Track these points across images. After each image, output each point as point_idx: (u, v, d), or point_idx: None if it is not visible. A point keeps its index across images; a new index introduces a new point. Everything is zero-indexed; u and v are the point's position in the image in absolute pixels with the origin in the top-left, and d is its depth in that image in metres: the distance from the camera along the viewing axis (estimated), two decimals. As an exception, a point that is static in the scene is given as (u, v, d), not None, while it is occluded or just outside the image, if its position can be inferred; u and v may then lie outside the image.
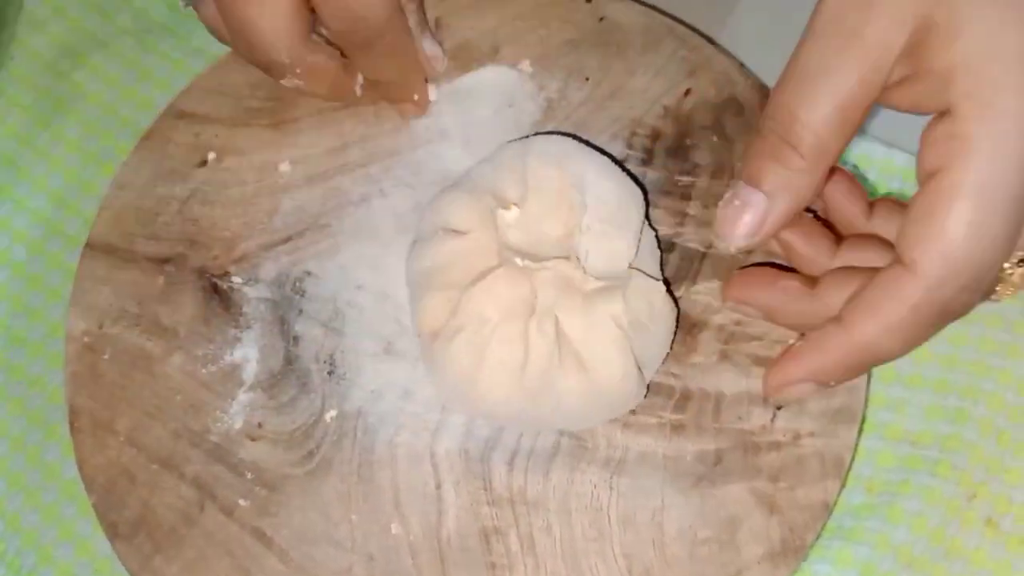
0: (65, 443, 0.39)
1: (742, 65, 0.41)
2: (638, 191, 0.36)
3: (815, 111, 0.31)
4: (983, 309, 0.38)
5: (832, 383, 0.33)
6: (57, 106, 0.46)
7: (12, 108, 0.46)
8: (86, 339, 0.38)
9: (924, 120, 0.42)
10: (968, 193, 0.29)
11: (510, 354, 0.33)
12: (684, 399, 0.36)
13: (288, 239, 0.39)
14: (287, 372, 0.37)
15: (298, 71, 0.38)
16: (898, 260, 0.30)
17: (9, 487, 0.40)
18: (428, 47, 0.40)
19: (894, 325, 0.31)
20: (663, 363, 0.36)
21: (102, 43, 0.47)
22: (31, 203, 0.44)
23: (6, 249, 0.44)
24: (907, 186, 0.41)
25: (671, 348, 0.36)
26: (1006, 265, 0.32)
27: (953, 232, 0.29)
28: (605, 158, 0.37)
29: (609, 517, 0.34)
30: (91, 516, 0.37)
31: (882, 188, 0.41)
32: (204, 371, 0.37)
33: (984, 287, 0.31)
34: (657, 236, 0.37)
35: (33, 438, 0.41)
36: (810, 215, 0.35)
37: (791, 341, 0.35)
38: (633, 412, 0.36)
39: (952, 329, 0.38)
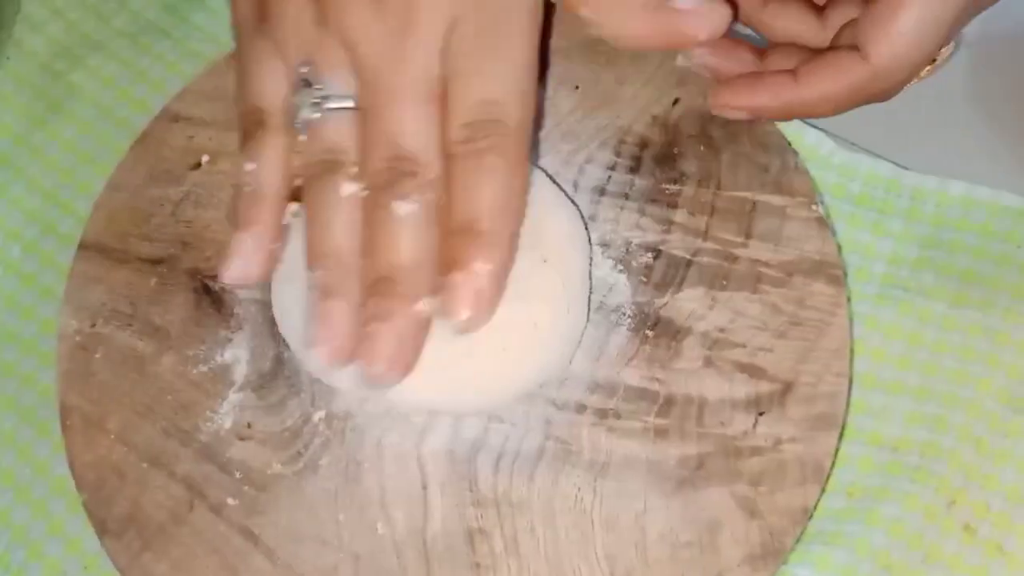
0: (56, 440, 0.40)
1: (730, 75, 0.42)
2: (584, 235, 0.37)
3: None
4: (965, 317, 0.39)
5: (760, 117, 0.38)
6: (53, 106, 0.46)
7: (8, 108, 0.46)
8: (78, 338, 0.39)
9: (910, 129, 0.43)
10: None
11: None
12: (668, 404, 0.36)
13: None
14: (277, 373, 0.38)
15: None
16: (854, 46, 0.35)
17: None
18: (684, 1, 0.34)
19: (832, 95, 0.36)
20: (648, 368, 0.37)
21: (98, 44, 0.47)
22: (26, 202, 0.45)
23: (0, 247, 0.44)
24: (891, 196, 0.41)
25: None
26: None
27: (901, 33, 0.34)
28: (560, 196, 0.37)
29: (592, 520, 0.35)
30: (81, 513, 0.37)
31: (866, 197, 0.42)
32: (195, 371, 0.38)
33: (916, 73, 0.36)
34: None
35: (24, 435, 0.41)
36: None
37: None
38: (618, 416, 0.36)
39: (934, 337, 0.39)
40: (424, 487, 0.36)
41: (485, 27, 0.31)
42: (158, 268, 0.39)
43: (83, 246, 0.40)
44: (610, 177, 0.40)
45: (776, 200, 0.39)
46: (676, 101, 0.41)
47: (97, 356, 0.38)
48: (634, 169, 0.40)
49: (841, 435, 0.36)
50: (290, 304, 0.35)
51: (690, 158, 0.40)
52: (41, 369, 0.42)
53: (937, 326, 0.39)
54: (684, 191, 0.39)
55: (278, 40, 0.33)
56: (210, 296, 0.39)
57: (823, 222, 0.39)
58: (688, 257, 0.38)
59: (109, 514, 0.36)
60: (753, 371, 0.37)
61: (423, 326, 0.31)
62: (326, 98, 0.32)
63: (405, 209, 0.30)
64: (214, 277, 0.39)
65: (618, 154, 0.40)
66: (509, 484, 0.36)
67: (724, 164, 0.40)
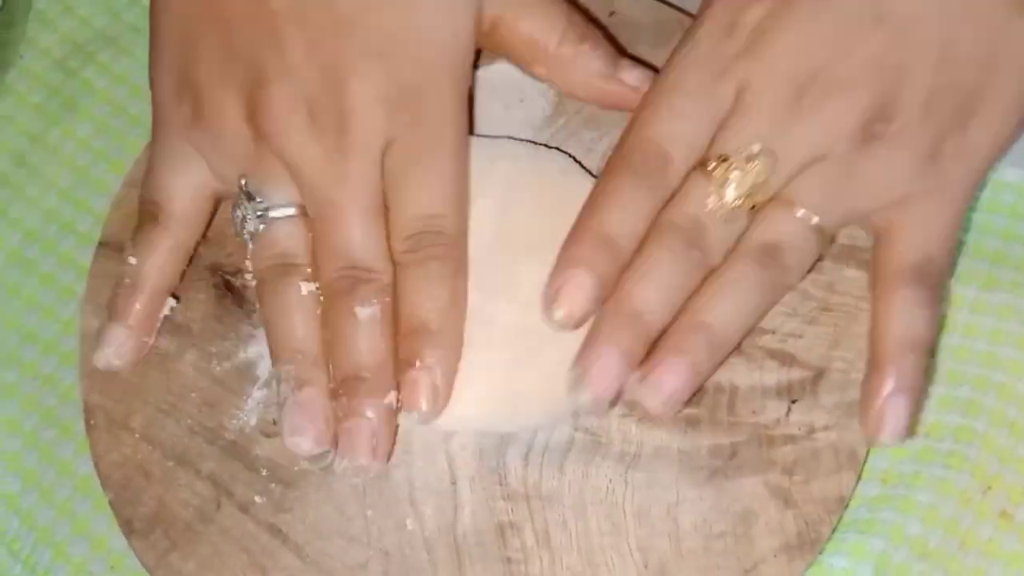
0: (79, 440, 0.40)
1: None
2: None
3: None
4: (995, 300, 0.39)
5: None
6: (67, 104, 0.46)
7: (22, 106, 0.46)
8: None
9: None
10: None
11: None
12: (698, 393, 0.36)
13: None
14: (301, 368, 0.37)
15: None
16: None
17: (23, 484, 0.40)
18: (631, 76, 0.36)
19: None
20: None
21: (111, 40, 0.47)
22: (42, 200, 0.45)
23: (18, 247, 0.44)
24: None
25: None
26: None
27: None
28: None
29: (624, 511, 0.35)
30: (106, 512, 0.37)
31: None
32: (218, 368, 0.37)
33: None
34: None
35: (47, 435, 0.41)
36: None
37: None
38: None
39: (965, 320, 0.38)
40: (453, 482, 0.35)
41: (418, 146, 0.34)
42: (179, 265, 0.39)
43: (102, 244, 0.40)
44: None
45: (803, 184, 0.38)
46: (699, 86, 0.40)
47: (120, 355, 0.38)
48: (658, 155, 0.39)
49: (875, 422, 0.36)
50: None
51: (714, 143, 0.39)
52: (63, 369, 0.42)
53: (968, 309, 0.39)
54: (710, 177, 0.39)
55: (213, 152, 0.35)
56: (232, 292, 0.39)
57: (852, 206, 0.38)
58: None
59: (135, 513, 0.36)
60: (784, 358, 0.36)
61: (394, 417, 0.34)
62: (267, 209, 0.34)
63: (366, 313, 0.33)
64: (235, 273, 0.39)
65: (642, 141, 0.39)
66: (539, 477, 0.35)
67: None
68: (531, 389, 0.35)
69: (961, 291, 0.39)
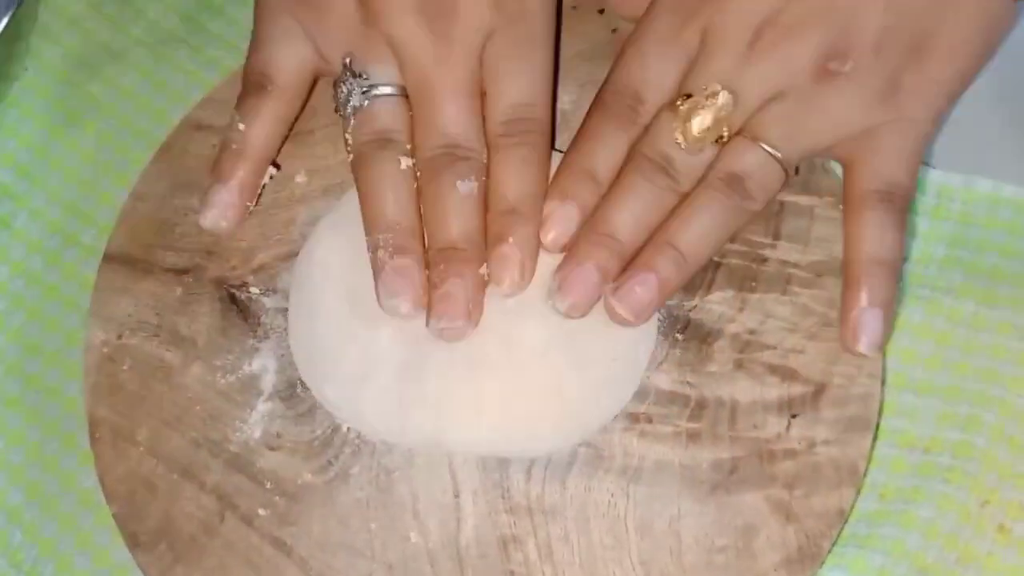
0: (82, 452, 0.40)
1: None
2: None
3: None
4: (994, 316, 0.39)
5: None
6: (72, 117, 0.46)
7: (27, 119, 0.46)
8: (105, 350, 0.39)
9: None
10: None
11: None
12: (700, 408, 0.36)
13: (305, 249, 0.39)
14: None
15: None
16: None
17: (27, 496, 0.40)
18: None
19: None
20: (679, 372, 0.36)
21: (116, 55, 0.47)
22: (47, 213, 0.45)
23: (22, 259, 0.44)
24: (917, 195, 0.41)
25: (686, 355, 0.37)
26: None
27: None
28: None
29: (626, 525, 0.35)
30: (109, 525, 0.37)
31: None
32: (223, 381, 0.38)
33: None
34: None
35: (50, 447, 0.41)
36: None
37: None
38: (649, 421, 0.36)
39: (964, 336, 0.39)
40: (456, 495, 0.35)
41: (515, 39, 0.36)
42: (183, 278, 0.39)
43: (108, 257, 0.40)
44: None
45: (804, 200, 0.39)
46: (700, 103, 0.40)
47: (124, 368, 0.38)
48: (660, 172, 0.40)
49: (875, 437, 0.36)
50: (306, 334, 0.37)
51: (716, 159, 0.40)
52: (66, 381, 0.42)
53: (967, 325, 0.39)
54: (711, 193, 0.39)
55: (320, 29, 0.37)
56: (236, 305, 0.39)
57: (852, 222, 0.38)
58: (716, 260, 0.38)
59: (140, 527, 0.36)
60: (785, 373, 0.36)
61: (484, 287, 0.36)
62: (373, 86, 0.36)
63: (465, 187, 0.35)
64: (240, 286, 0.39)
65: (643, 157, 0.40)
66: (542, 491, 0.35)
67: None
68: (547, 415, 0.35)
69: (960, 307, 0.39)
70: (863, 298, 0.35)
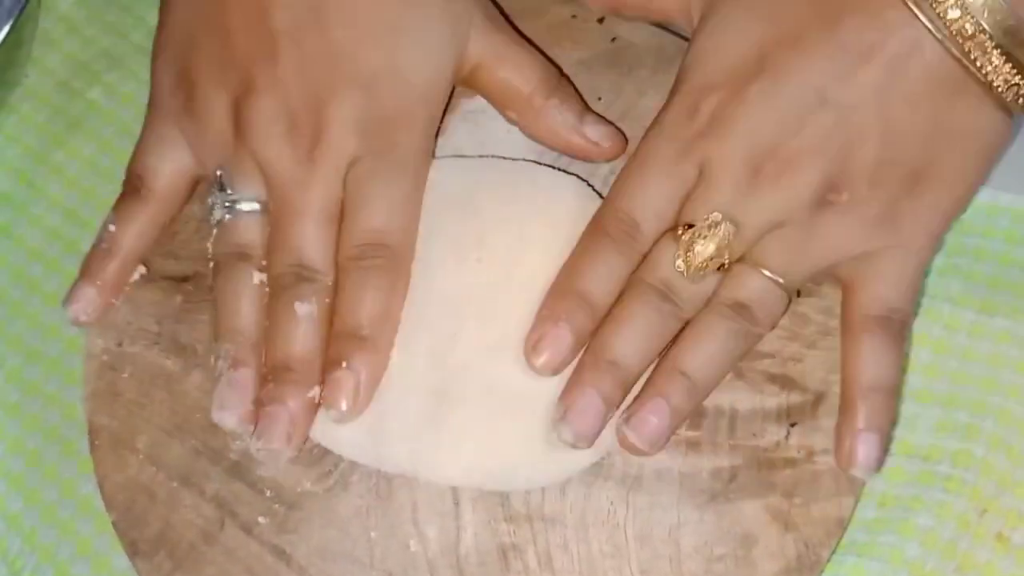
0: (82, 460, 0.40)
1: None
2: None
3: None
4: (993, 324, 0.39)
5: None
6: (72, 124, 0.46)
7: (27, 126, 0.47)
8: (105, 357, 0.39)
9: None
10: None
11: None
12: (699, 416, 0.36)
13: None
14: (304, 390, 0.37)
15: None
16: None
17: (25, 503, 0.40)
18: (593, 132, 0.39)
19: None
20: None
21: (116, 61, 0.47)
22: (47, 220, 0.45)
23: (22, 266, 0.44)
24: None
25: None
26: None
27: None
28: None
29: (626, 533, 0.35)
30: (108, 532, 0.37)
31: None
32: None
33: None
34: None
35: (50, 454, 0.41)
36: None
37: None
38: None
39: (962, 345, 0.39)
40: (456, 503, 0.35)
41: (380, 168, 0.37)
42: (183, 286, 0.39)
43: (108, 265, 0.40)
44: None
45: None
46: (699, 111, 0.41)
47: (124, 375, 0.38)
48: (660, 179, 0.40)
49: (874, 445, 0.36)
50: None
51: (715, 168, 0.40)
52: (66, 388, 0.42)
53: (965, 333, 0.39)
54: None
55: (197, 141, 0.38)
56: (236, 313, 0.39)
57: (851, 231, 0.39)
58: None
59: (140, 535, 0.36)
60: (784, 382, 0.36)
61: (313, 410, 0.36)
62: (236, 201, 0.37)
63: (304, 309, 0.36)
64: (240, 294, 0.39)
65: (643, 165, 0.40)
66: (541, 499, 0.35)
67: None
68: (526, 458, 0.35)
69: (959, 315, 0.39)
70: (860, 422, 0.35)
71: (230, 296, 0.37)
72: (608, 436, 0.35)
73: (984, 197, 0.41)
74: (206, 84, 0.37)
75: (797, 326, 0.37)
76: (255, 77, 0.36)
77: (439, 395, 0.35)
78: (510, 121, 0.40)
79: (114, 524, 0.36)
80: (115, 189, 0.44)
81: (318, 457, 0.36)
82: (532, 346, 0.35)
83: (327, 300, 0.36)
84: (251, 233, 0.37)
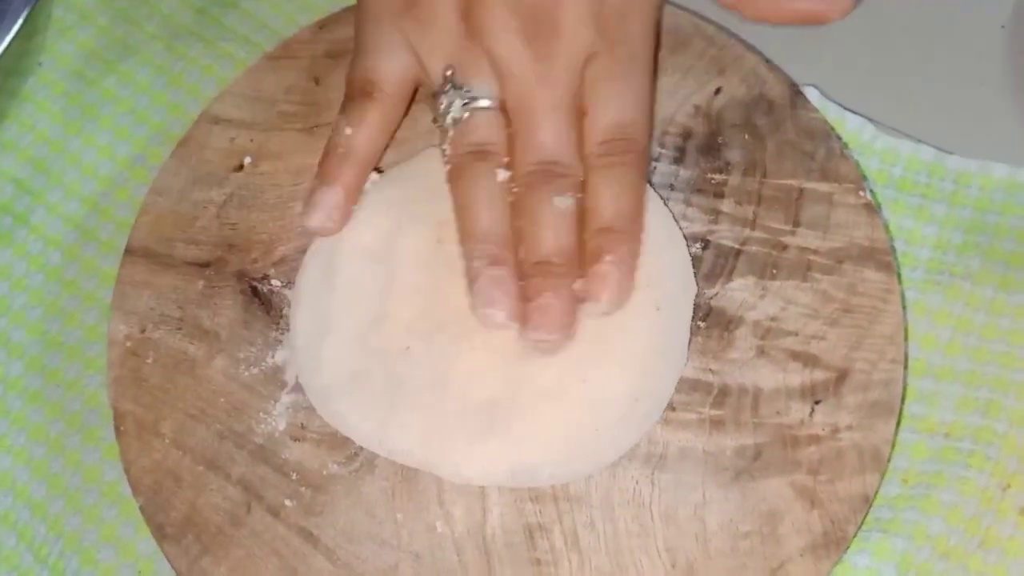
0: (105, 446, 0.40)
1: (769, 61, 0.41)
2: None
3: None
4: (1012, 301, 0.39)
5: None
6: (87, 112, 0.46)
7: (43, 114, 0.46)
8: (128, 343, 0.39)
9: (952, 113, 0.43)
10: None
11: None
12: (722, 395, 0.36)
13: (325, 241, 0.39)
14: (328, 373, 0.37)
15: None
16: None
17: (50, 490, 0.40)
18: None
19: None
20: (702, 359, 0.36)
21: (131, 49, 0.47)
22: (64, 208, 0.45)
23: (40, 254, 0.44)
24: (934, 180, 0.41)
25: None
26: None
27: None
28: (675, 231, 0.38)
29: (651, 512, 0.35)
30: (133, 518, 0.38)
31: (908, 183, 0.41)
32: (246, 373, 0.38)
33: None
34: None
35: (72, 442, 0.41)
36: None
37: None
38: (673, 408, 0.36)
39: (982, 321, 0.39)
40: (482, 484, 0.36)
41: (616, 61, 0.37)
42: (205, 271, 0.39)
43: (129, 251, 0.40)
44: (655, 168, 0.39)
45: (823, 187, 0.39)
46: (718, 90, 0.41)
47: (148, 361, 0.38)
48: (678, 160, 0.40)
49: (898, 423, 0.36)
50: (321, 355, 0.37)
51: (734, 147, 0.40)
52: (86, 375, 0.42)
53: (985, 310, 0.39)
54: (730, 180, 0.39)
55: (423, 41, 0.37)
56: (258, 298, 0.39)
57: (871, 208, 0.39)
58: (737, 247, 0.38)
59: (167, 519, 0.36)
60: (807, 359, 0.36)
61: (577, 302, 0.35)
62: (474, 99, 0.37)
63: (564, 203, 0.35)
64: (262, 279, 0.39)
65: (662, 145, 0.40)
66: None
67: (769, 152, 0.39)
68: (549, 457, 0.35)
69: (978, 292, 0.39)
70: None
71: (476, 196, 0.36)
72: (633, 431, 0.35)
73: (1002, 173, 0.41)
74: None
75: (819, 304, 0.37)
76: None
77: (455, 394, 0.35)
78: (728, 8, 0.39)
79: (141, 509, 0.37)
80: (132, 177, 0.45)
81: (343, 440, 0.36)
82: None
83: (580, 195, 0.36)
84: (491, 130, 0.36)
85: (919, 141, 0.42)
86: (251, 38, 0.47)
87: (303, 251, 0.39)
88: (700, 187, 0.39)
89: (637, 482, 0.35)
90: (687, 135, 0.40)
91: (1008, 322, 0.39)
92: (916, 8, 0.45)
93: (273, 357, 0.38)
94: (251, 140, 0.41)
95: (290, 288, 0.39)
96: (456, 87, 0.37)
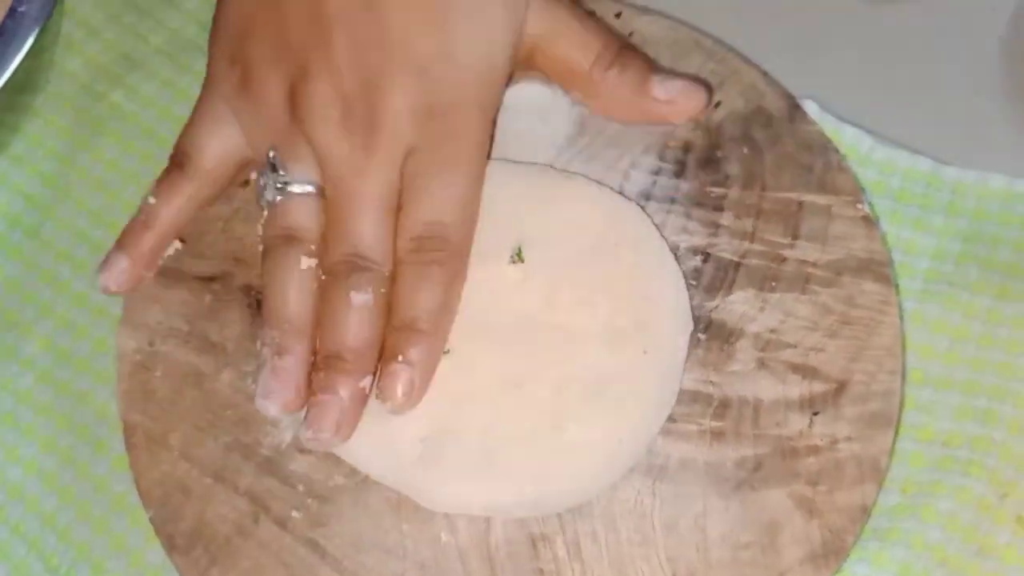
0: (114, 457, 0.40)
1: (767, 74, 0.42)
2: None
3: None
4: (1010, 310, 0.39)
5: None
6: (95, 126, 0.47)
7: (51, 129, 0.47)
8: (137, 357, 0.39)
9: (949, 124, 0.43)
10: None
11: None
12: (723, 407, 0.37)
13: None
14: (334, 386, 0.38)
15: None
16: None
17: (60, 501, 0.41)
18: (660, 91, 0.39)
19: None
20: (702, 371, 0.37)
21: (137, 64, 0.48)
22: (74, 222, 0.45)
23: (50, 267, 0.45)
24: (932, 191, 0.42)
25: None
26: None
27: None
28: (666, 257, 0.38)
29: (653, 523, 0.35)
30: (142, 528, 0.38)
31: (906, 193, 0.42)
32: (253, 386, 0.38)
33: None
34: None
35: (82, 453, 0.42)
36: None
37: None
38: (673, 420, 0.36)
39: (980, 331, 0.39)
40: (486, 495, 0.36)
41: (438, 158, 0.36)
42: (212, 285, 0.40)
43: (137, 265, 0.41)
44: (655, 182, 0.40)
45: (821, 200, 0.39)
46: (717, 104, 0.41)
47: (157, 374, 0.39)
48: (679, 173, 0.40)
49: (896, 433, 0.37)
50: None
51: (734, 160, 0.40)
52: (96, 387, 0.42)
53: (983, 320, 0.40)
54: (729, 194, 0.40)
55: (250, 120, 0.38)
56: (264, 312, 0.39)
57: (869, 220, 0.39)
58: (736, 259, 0.39)
59: (176, 530, 0.37)
60: (806, 371, 0.37)
61: (364, 401, 0.35)
62: (288, 183, 0.37)
63: (361, 299, 0.35)
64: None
65: (662, 159, 0.40)
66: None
67: (768, 165, 0.40)
68: (554, 483, 0.35)
69: (976, 302, 0.40)
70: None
71: (278, 281, 0.36)
72: (615, 471, 0.36)
73: (999, 184, 0.41)
74: (261, 65, 0.37)
75: (818, 316, 0.38)
76: (310, 61, 0.36)
77: (445, 428, 0.36)
78: (576, 101, 0.40)
79: (151, 520, 0.37)
80: (140, 191, 0.45)
81: (348, 452, 0.37)
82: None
83: (383, 291, 0.35)
84: (302, 216, 0.37)
85: (917, 152, 0.42)
86: (256, 52, 0.48)
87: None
88: (700, 200, 0.40)
89: (639, 493, 0.36)
90: (687, 148, 0.40)
91: (1006, 331, 0.39)
92: (913, 19, 0.46)
93: (280, 370, 0.39)
94: (257, 155, 0.42)
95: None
96: (273, 169, 0.37)
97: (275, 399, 0.35)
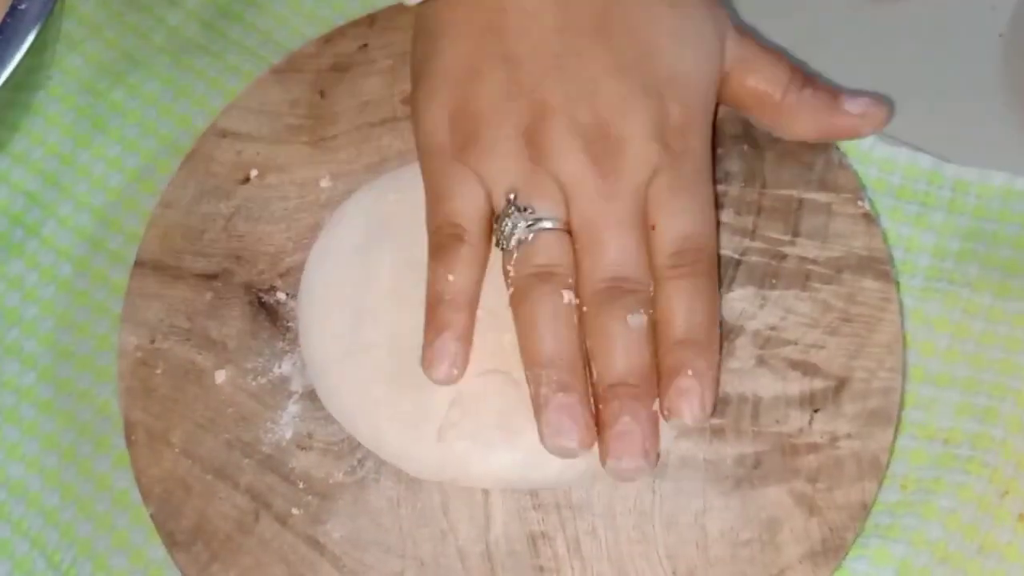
0: (116, 454, 0.40)
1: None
2: None
3: None
4: (1010, 308, 0.39)
5: None
6: (97, 125, 0.47)
7: (53, 127, 0.47)
8: (139, 354, 0.39)
9: (950, 121, 0.43)
10: None
11: None
12: (723, 404, 0.37)
13: (331, 253, 0.40)
14: (334, 384, 0.38)
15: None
16: None
17: (62, 498, 0.41)
18: (853, 105, 0.40)
19: None
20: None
21: (139, 62, 0.48)
22: (75, 220, 0.45)
23: (52, 265, 0.45)
24: (932, 188, 0.42)
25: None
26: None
27: None
28: None
29: (653, 520, 0.35)
30: (144, 525, 0.38)
31: (907, 191, 0.42)
32: (254, 383, 0.38)
33: None
34: None
35: (84, 450, 0.42)
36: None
37: None
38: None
39: (980, 328, 0.39)
40: (485, 493, 0.36)
41: (680, 174, 0.37)
42: (213, 283, 0.40)
43: (139, 264, 0.41)
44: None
45: (822, 197, 0.39)
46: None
47: (158, 371, 0.39)
48: (679, 171, 0.40)
49: (896, 431, 0.37)
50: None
51: (734, 158, 0.40)
52: (98, 384, 0.42)
53: (983, 317, 0.40)
54: (730, 191, 0.40)
55: (489, 170, 0.37)
56: (265, 309, 0.40)
57: (870, 217, 0.39)
58: (737, 257, 0.39)
59: (177, 526, 0.37)
60: (806, 368, 0.37)
61: (658, 423, 0.35)
62: (538, 220, 0.36)
63: (636, 321, 0.35)
64: (268, 290, 0.40)
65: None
66: (569, 488, 0.36)
67: (768, 163, 0.40)
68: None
69: (977, 300, 0.40)
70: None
71: (545, 318, 0.35)
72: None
73: (1000, 181, 0.41)
74: (494, 114, 0.37)
75: (818, 313, 0.38)
76: (546, 99, 0.37)
77: (463, 399, 0.36)
78: (761, 126, 0.41)
79: (152, 517, 0.37)
80: (141, 189, 0.45)
81: (348, 449, 0.37)
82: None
83: (651, 311, 0.35)
84: (555, 251, 0.36)
85: (917, 149, 0.42)
86: (257, 51, 0.48)
87: (309, 263, 0.40)
88: (700, 198, 0.40)
89: (638, 490, 0.36)
90: (687, 146, 0.40)
91: (1006, 329, 0.39)
92: (913, 16, 0.46)
93: (280, 367, 0.39)
94: (257, 153, 0.42)
95: (296, 299, 0.39)
96: (520, 209, 0.36)
97: (571, 437, 0.34)
